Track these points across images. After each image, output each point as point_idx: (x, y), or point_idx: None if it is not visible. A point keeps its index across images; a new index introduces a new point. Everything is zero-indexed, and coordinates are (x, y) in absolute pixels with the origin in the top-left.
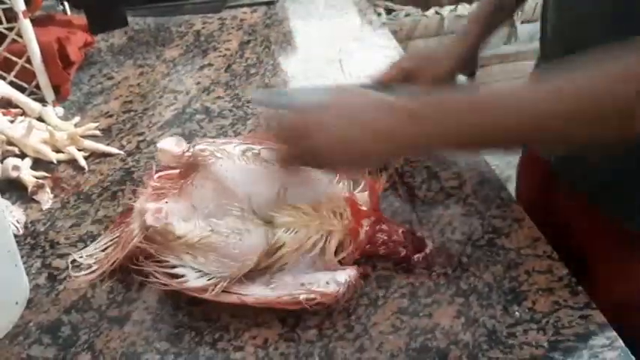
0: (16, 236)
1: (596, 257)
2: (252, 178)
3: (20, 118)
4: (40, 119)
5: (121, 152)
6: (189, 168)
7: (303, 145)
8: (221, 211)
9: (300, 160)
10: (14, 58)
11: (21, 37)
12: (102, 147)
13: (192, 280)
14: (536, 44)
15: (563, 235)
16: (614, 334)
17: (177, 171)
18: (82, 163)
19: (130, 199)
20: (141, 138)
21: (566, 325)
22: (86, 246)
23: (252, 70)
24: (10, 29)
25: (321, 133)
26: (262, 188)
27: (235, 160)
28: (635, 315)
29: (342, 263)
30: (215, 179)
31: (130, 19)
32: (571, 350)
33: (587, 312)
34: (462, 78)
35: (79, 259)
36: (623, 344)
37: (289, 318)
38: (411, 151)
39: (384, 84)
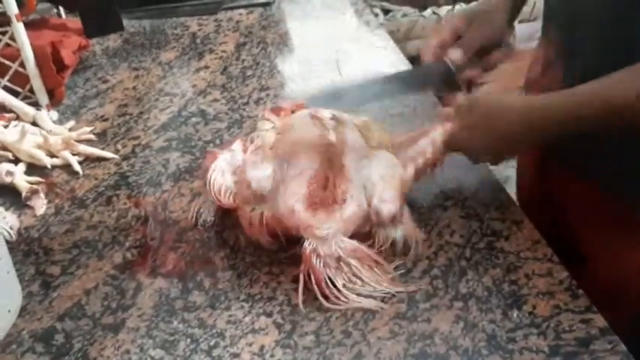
0: (9, 243)
1: (594, 243)
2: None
3: (14, 123)
4: (35, 123)
5: (116, 156)
6: (335, 156)
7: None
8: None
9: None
10: (8, 62)
11: (14, 40)
12: (96, 151)
13: None
14: (534, 44)
15: (561, 223)
16: (616, 338)
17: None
18: (77, 167)
19: (125, 204)
20: (136, 142)
21: (567, 329)
22: (80, 252)
23: (249, 72)
24: (4, 33)
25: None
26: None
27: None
28: (634, 297)
29: None
30: (351, 150)
31: (125, 21)
32: (572, 355)
33: (588, 316)
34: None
35: None
36: (625, 349)
37: (286, 324)
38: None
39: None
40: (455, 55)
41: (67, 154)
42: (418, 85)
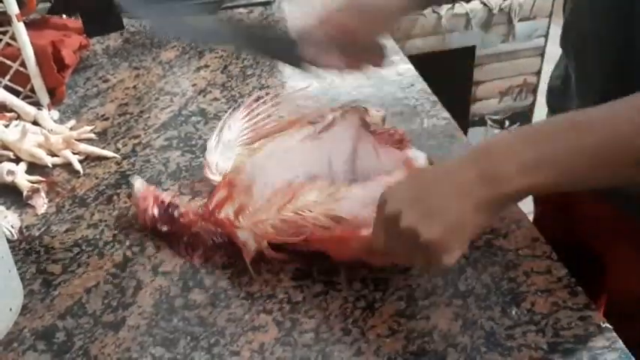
0: (10, 241)
1: (612, 255)
2: None
3: (15, 122)
4: (36, 123)
5: (117, 155)
6: None
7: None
8: None
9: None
10: (8, 62)
11: (15, 40)
12: (97, 150)
13: None
14: (534, 42)
15: (578, 230)
16: (614, 335)
17: None
18: (77, 166)
19: (126, 202)
20: (136, 141)
21: (566, 326)
22: (81, 251)
23: (249, 72)
24: (4, 33)
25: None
26: None
27: None
28: None
29: None
30: None
31: (125, 21)
32: (570, 352)
33: (587, 313)
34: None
35: None
36: (623, 345)
37: (286, 321)
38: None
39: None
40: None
41: (67, 152)
42: (259, 46)
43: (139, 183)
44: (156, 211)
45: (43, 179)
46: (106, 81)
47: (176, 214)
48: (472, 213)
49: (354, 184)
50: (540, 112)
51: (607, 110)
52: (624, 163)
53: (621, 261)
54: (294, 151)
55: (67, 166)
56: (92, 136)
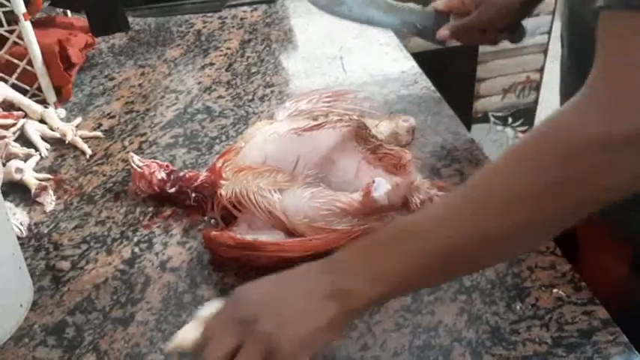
0: (19, 238)
1: (582, 251)
2: None
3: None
4: (42, 121)
5: (89, 151)
6: None
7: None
8: None
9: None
10: (16, 61)
11: (22, 39)
12: (81, 144)
13: None
14: (537, 39)
15: None
16: (618, 329)
17: None
18: (86, 149)
19: (134, 199)
20: (143, 139)
21: (570, 321)
22: (90, 247)
23: (254, 69)
24: (11, 32)
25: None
26: None
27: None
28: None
29: None
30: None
31: (130, 19)
32: (574, 346)
33: (591, 308)
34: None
35: None
36: (626, 340)
37: None
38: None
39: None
40: (443, 33)
41: (77, 139)
42: (407, 24)
43: (136, 157)
44: (164, 175)
45: (51, 177)
46: (111, 79)
47: (181, 173)
48: (324, 331)
49: (308, 187)
50: (543, 108)
51: (438, 213)
52: (460, 268)
53: (589, 256)
54: (274, 137)
55: (75, 163)
56: (99, 134)
